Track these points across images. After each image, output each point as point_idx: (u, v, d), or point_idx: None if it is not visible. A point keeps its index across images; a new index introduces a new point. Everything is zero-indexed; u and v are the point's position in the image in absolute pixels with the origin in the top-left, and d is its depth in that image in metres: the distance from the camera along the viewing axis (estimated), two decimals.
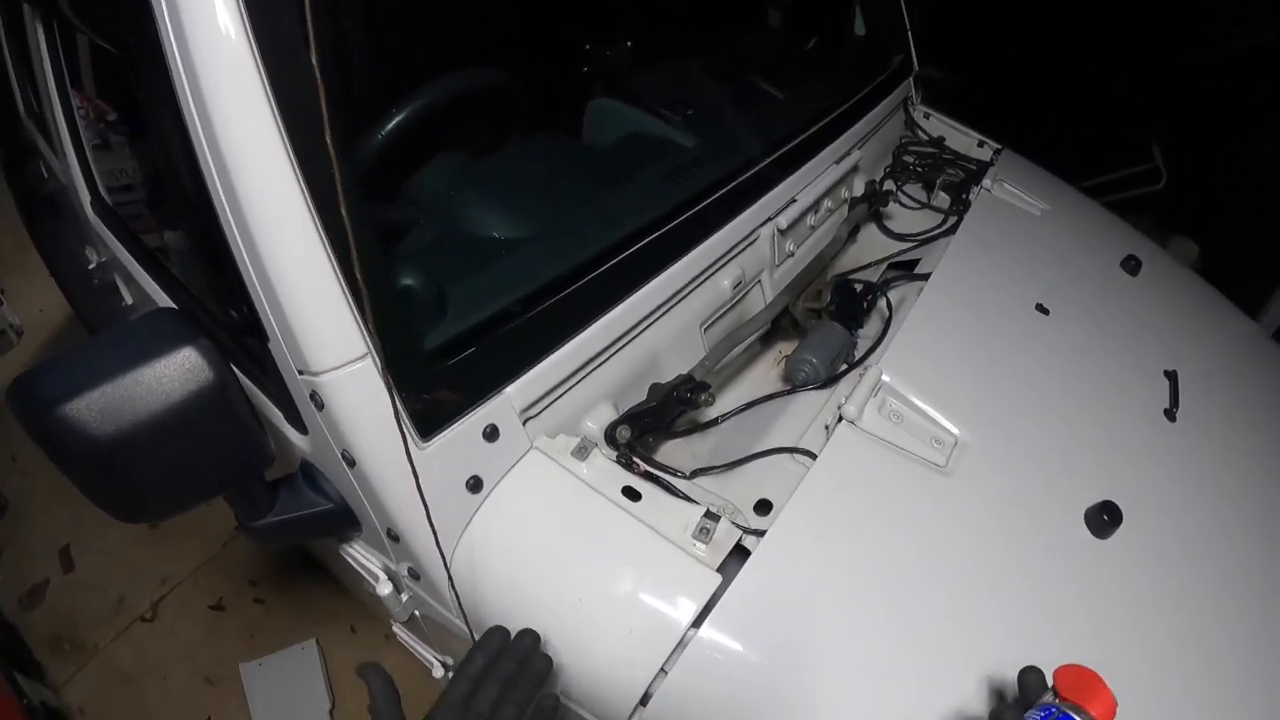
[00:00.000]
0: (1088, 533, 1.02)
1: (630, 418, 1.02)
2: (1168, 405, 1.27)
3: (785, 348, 1.34)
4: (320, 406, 0.80)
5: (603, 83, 1.58)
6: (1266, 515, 1.18)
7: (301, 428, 0.92)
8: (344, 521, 0.97)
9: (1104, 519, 1.01)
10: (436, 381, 0.85)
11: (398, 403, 0.79)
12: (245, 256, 0.75)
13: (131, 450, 0.72)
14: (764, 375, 1.30)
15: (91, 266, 1.52)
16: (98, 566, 2.30)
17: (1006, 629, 0.91)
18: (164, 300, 1.18)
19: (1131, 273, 1.54)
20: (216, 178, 0.73)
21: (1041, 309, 1.33)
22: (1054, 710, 0.68)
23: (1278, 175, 2.68)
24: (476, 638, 0.92)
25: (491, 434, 0.89)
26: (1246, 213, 2.77)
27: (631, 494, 0.92)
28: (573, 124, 1.46)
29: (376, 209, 1.16)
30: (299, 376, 0.80)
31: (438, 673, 1.18)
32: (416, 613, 1.08)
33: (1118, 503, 1.03)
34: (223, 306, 0.93)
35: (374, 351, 0.78)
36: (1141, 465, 1.16)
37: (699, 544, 0.89)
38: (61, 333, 3.03)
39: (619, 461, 0.96)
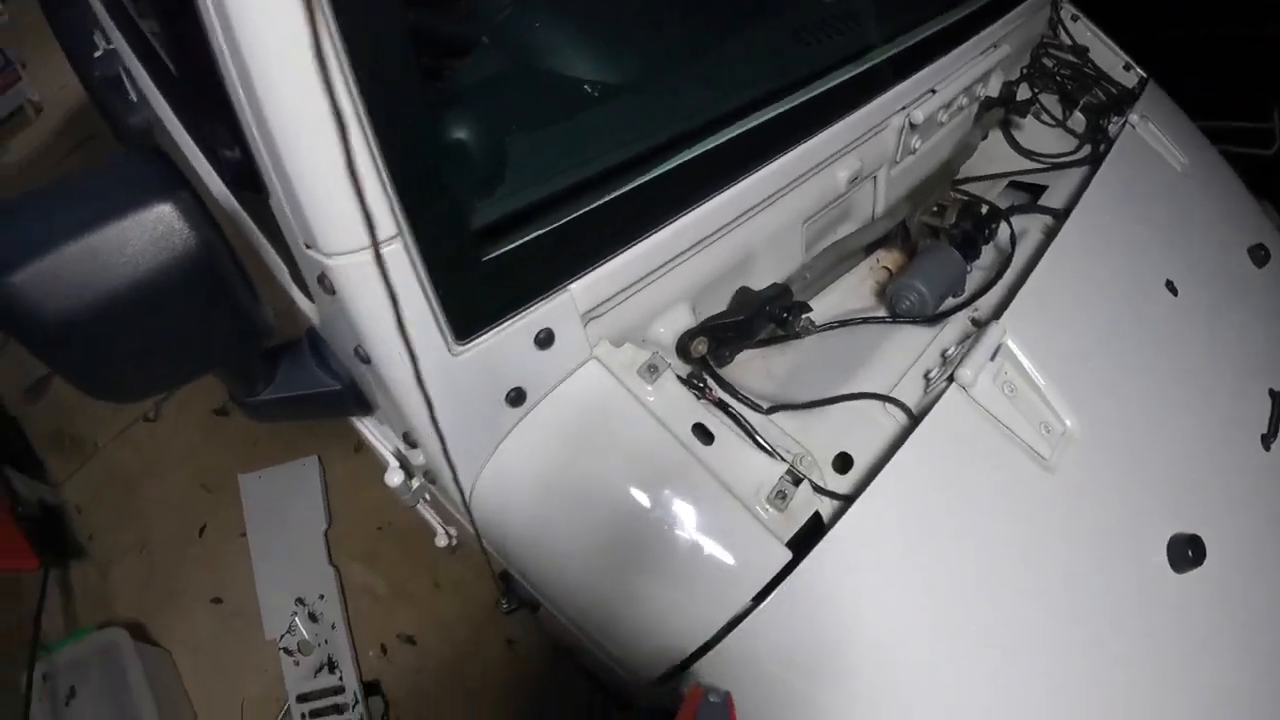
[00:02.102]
0: (1165, 563, 0.90)
1: (710, 330, 0.84)
2: (1265, 430, 1.12)
3: (886, 257, 1.15)
4: (331, 292, 0.60)
5: None
6: None
7: (310, 295, 0.72)
8: (353, 404, 0.81)
9: (1188, 555, 0.89)
10: (485, 272, 0.64)
11: (432, 299, 0.61)
12: (238, 88, 0.52)
13: (94, 328, 0.55)
14: (859, 285, 1.12)
15: (98, 54, 1.27)
16: None
17: (1075, 653, 0.80)
18: (165, 112, 0.93)
19: (1259, 264, 1.35)
20: None
21: (1171, 287, 1.14)
22: None
23: None
24: (499, 567, 0.79)
25: (546, 340, 0.71)
26: None
27: (703, 434, 0.76)
28: None
29: (430, 19, 0.90)
30: (305, 251, 0.59)
31: (441, 541, 1.06)
32: (428, 496, 0.95)
33: (1205, 539, 0.90)
34: (217, 136, 0.67)
35: (406, 232, 0.57)
36: (1231, 498, 1.02)
37: (772, 509, 0.75)
38: (80, 110, 2.85)
39: (691, 386, 0.80)
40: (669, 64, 0.88)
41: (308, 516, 1.94)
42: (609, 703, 1.18)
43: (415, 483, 0.88)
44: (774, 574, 0.72)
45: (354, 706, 1.71)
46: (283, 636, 1.81)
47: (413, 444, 0.75)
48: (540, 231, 0.67)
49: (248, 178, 0.61)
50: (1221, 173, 1.58)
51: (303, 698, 1.74)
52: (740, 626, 0.71)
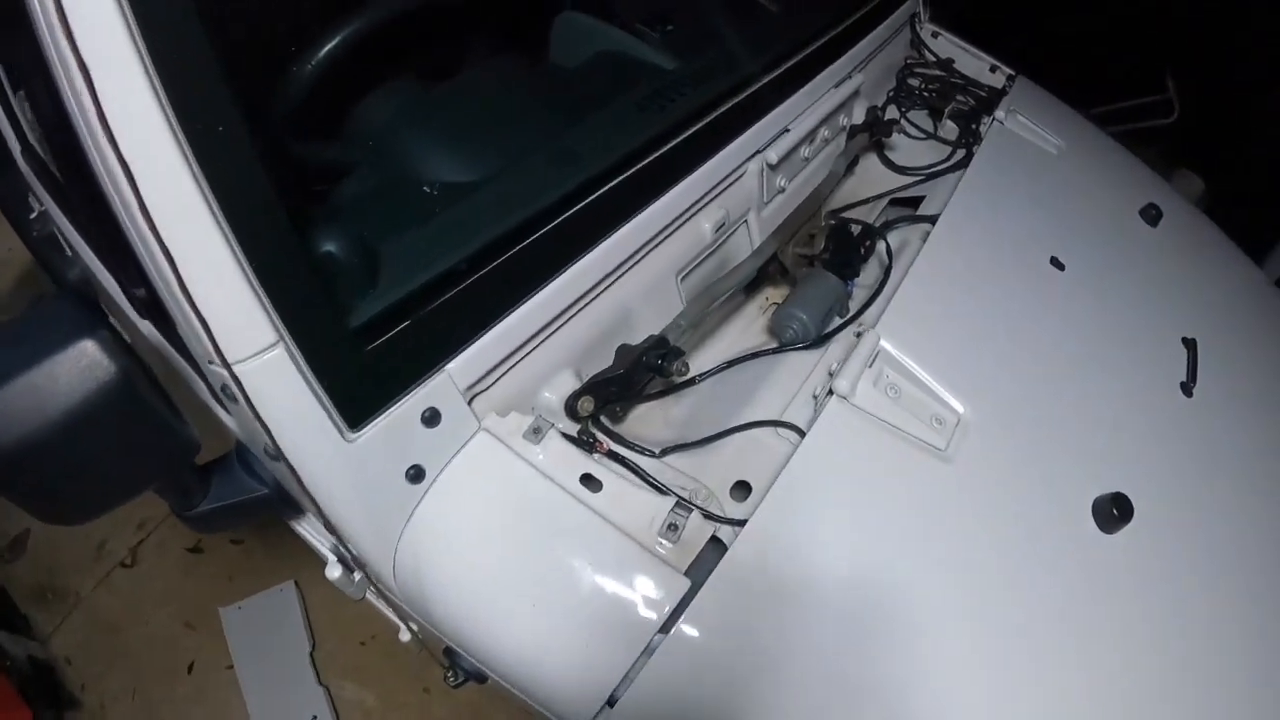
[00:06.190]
0: (1094, 527, 0.92)
1: (593, 387, 0.89)
2: (1185, 378, 1.16)
3: (774, 294, 1.21)
4: (233, 400, 0.68)
5: None
6: None
7: (225, 408, 0.80)
8: (283, 506, 0.89)
9: (1113, 513, 0.91)
10: (365, 364, 0.72)
11: (320, 394, 0.68)
12: (131, 231, 0.62)
13: (38, 456, 0.63)
14: (749, 326, 1.17)
15: (33, 216, 1.40)
16: None
17: (1004, 638, 0.82)
18: (94, 263, 1.05)
19: (1151, 223, 1.41)
20: (88, 140, 0.58)
21: (1056, 263, 1.20)
22: None
23: None
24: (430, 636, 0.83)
25: (431, 418, 0.77)
26: (1257, 153, 2.64)
27: (591, 483, 0.81)
28: (540, 41, 1.27)
29: (312, 149, 1.00)
30: (209, 366, 0.68)
31: (404, 636, 1.08)
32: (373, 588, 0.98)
33: (1129, 494, 0.92)
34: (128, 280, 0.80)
35: (287, 338, 0.66)
36: (1154, 450, 1.05)
37: (666, 542, 0.79)
38: (27, 274, 2.88)
39: (579, 442, 0.85)
40: (520, 154, 0.95)
41: (291, 641, 1.97)
42: None
43: (357, 575, 0.92)
44: (677, 602, 0.76)
45: None
46: None
47: (333, 530, 0.78)
48: (410, 322, 0.75)
49: (157, 311, 0.70)
50: (1102, 146, 1.66)
51: None
52: (653, 658, 0.75)
